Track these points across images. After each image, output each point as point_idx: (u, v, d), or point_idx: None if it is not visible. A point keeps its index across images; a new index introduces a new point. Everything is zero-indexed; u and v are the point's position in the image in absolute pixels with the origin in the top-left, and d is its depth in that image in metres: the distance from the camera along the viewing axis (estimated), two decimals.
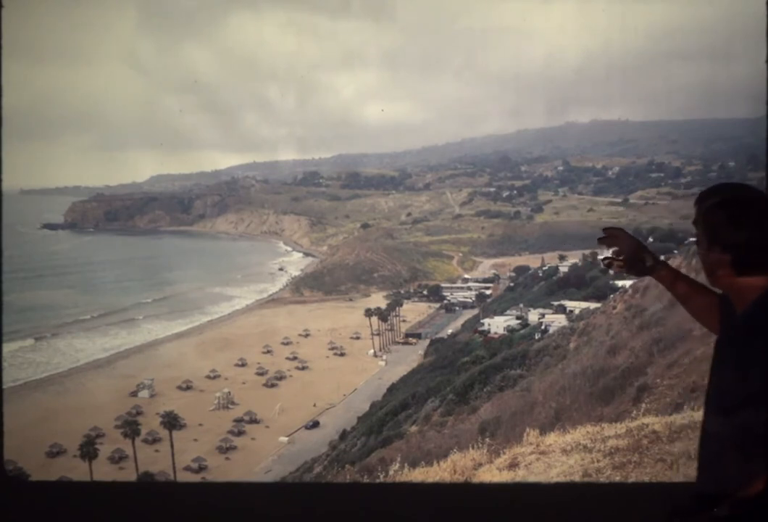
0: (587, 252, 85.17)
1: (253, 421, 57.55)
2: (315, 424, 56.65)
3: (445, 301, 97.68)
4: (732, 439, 1.89)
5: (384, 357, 75.38)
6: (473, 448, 9.28)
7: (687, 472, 5.22)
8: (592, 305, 53.43)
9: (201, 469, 48.81)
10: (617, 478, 5.69)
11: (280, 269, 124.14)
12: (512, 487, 4.02)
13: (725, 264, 1.98)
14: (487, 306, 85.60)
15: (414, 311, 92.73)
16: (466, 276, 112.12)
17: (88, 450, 44.79)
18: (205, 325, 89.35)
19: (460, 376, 38.20)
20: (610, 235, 2.30)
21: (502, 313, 76.22)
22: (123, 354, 76.15)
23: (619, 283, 58.93)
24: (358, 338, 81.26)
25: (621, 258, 2.28)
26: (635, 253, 2.29)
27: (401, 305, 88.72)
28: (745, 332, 1.95)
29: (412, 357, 72.23)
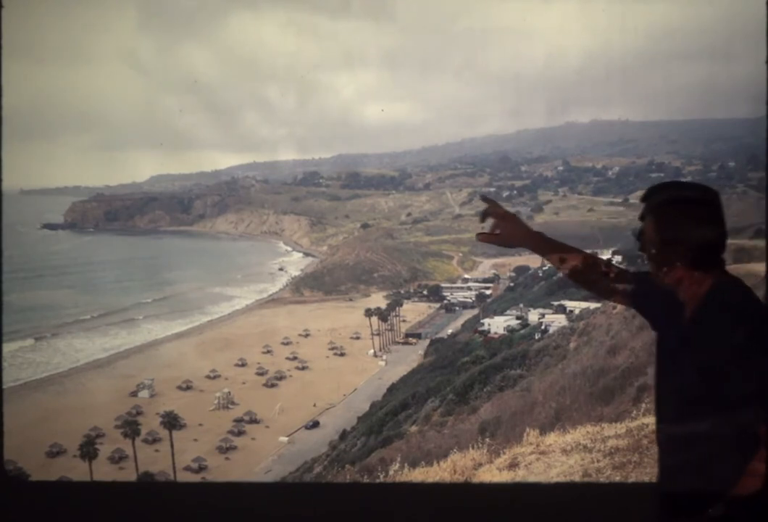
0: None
1: (253, 421, 57.55)
2: (315, 424, 56.65)
3: (445, 301, 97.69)
4: (727, 440, 1.89)
5: (384, 357, 75.38)
6: (473, 448, 9.28)
7: None
8: (592, 305, 53.35)
9: (201, 469, 48.81)
10: (617, 478, 5.69)
11: (280, 269, 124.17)
12: (512, 487, 4.02)
13: (676, 260, 1.98)
14: (487, 306, 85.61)
15: (414, 311, 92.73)
16: (466, 276, 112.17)
17: (88, 450, 44.77)
18: (205, 325, 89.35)
19: (460, 376, 38.18)
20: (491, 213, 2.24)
21: (502, 313, 76.23)
22: (123, 354, 76.16)
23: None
24: (358, 338, 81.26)
25: (497, 233, 2.21)
26: (511, 226, 2.23)
27: (401, 305, 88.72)
28: (701, 331, 1.94)
29: (412, 357, 72.23)
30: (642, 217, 2.05)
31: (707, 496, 1.90)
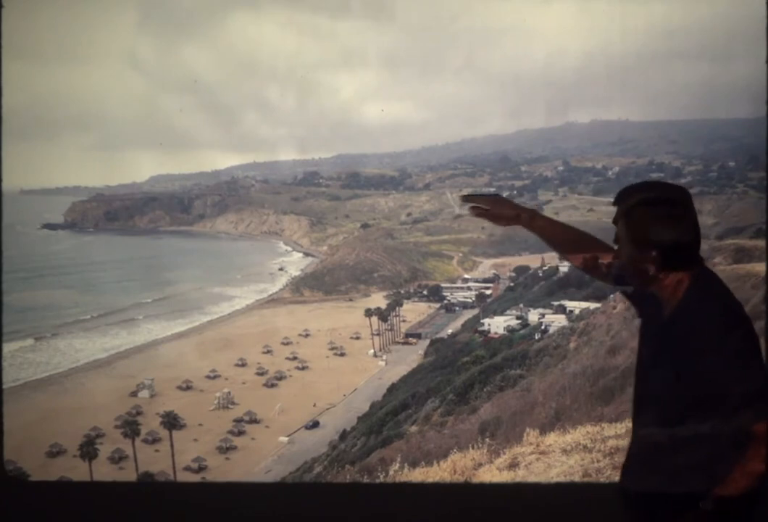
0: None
1: (253, 421, 57.55)
2: (315, 424, 56.64)
3: (445, 301, 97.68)
4: (716, 440, 1.89)
5: (384, 357, 75.38)
6: (473, 448, 9.27)
7: None
8: (592, 305, 53.38)
9: (201, 469, 48.80)
10: (617, 478, 5.67)
11: (280, 269, 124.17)
12: (512, 487, 4.02)
13: (652, 261, 1.98)
14: (487, 306, 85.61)
15: (414, 311, 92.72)
16: (466, 276, 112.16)
17: (88, 450, 44.78)
18: (205, 325, 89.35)
19: (460, 376, 38.18)
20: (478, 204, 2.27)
21: (502, 313, 76.26)
22: (123, 354, 76.16)
23: None
24: (358, 338, 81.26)
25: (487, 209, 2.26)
26: (502, 205, 2.27)
27: (401, 305, 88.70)
28: (679, 331, 1.94)
29: (412, 357, 72.24)
30: (615, 221, 2.05)
31: (691, 496, 1.89)
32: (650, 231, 1.97)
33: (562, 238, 2.31)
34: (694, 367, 1.89)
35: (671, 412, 1.95)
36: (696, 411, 1.91)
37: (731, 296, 1.96)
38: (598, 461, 6.30)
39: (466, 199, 2.28)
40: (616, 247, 2.09)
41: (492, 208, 2.26)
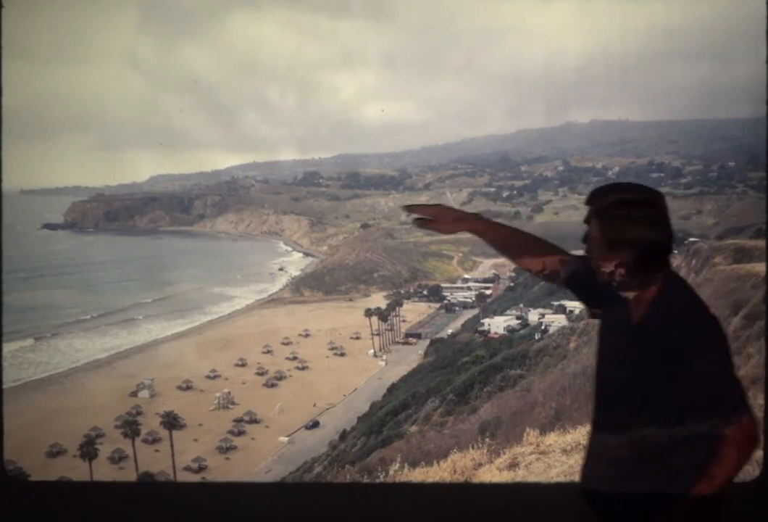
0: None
1: (253, 421, 57.55)
2: (315, 424, 56.64)
3: (445, 301, 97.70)
4: (684, 443, 1.89)
5: (384, 357, 75.38)
6: (473, 448, 9.28)
7: None
8: None
9: (201, 469, 48.81)
10: None
11: (280, 269, 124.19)
12: (512, 487, 4.02)
13: (622, 262, 1.97)
14: (487, 306, 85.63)
15: (414, 311, 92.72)
16: (466, 276, 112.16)
17: (88, 450, 44.79)
18: (205, 325, 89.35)
19: (460, 376, 38.21)
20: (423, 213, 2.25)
21: (502, 313, 76.27)
22: (123, 354, 76.17)
23: None
24: (358, 338, 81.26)
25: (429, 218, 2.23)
26: (444, 213, 2.24)
27: (401, 305, 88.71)
28: (647, 338, 1.94)
29: (412, 357, 72.24)
30: (587, 220, 2.04)
31: (658, 498, 1.91)
32: (625, 231, 1.95)
33: (511, 242, 2.25)
34: (663, 369, 1.90)
35: (636, 413, 1.95)
36: (664, 413, 1.91)
37: (700, 299, 1.97)
38: None
39: (408, 209, 2.24)
40: (585, 247, 2.06)
41: (435, 217, 2.23)
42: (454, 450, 10.42)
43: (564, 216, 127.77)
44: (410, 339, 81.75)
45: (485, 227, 2.23)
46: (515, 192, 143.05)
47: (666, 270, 1.99)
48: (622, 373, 1.99)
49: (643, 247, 1.95)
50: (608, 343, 2.08)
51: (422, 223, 2.23)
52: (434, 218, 2.23)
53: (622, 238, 1.95)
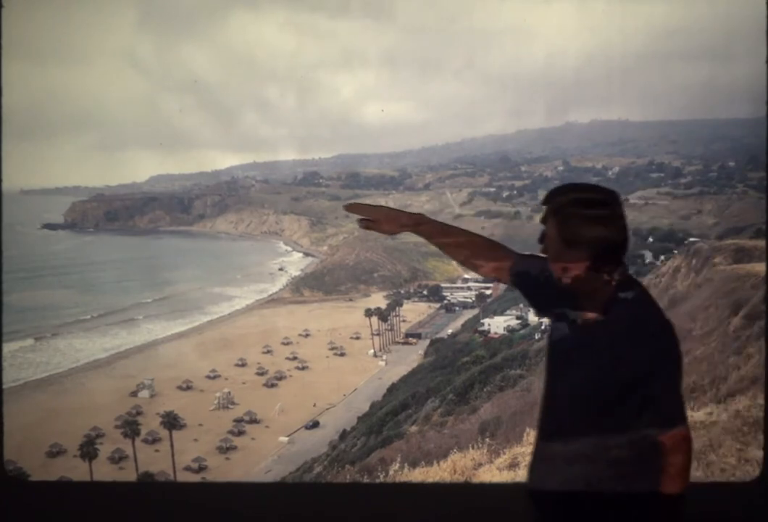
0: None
1: (253, 421, 57.55)
2: (315, 424, 56.64)
3: (445, 301, 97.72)
4: (629, 449, 1.90)
5: (384, 357, 75.38)
6: (473, 448, 9.29)
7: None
8: None
9: (201, 469, 48.81)
10: None
11: (280, 269, 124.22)
12: (512, 487, 4.01)
13: (577, 261, 1.96)
14: (487, 306, 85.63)
15: (414, 311, 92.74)
16: (466, 276, 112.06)
17: (88, 450, 44.78)
18: (205, 325, 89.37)
19: (460, 376, 38.23)
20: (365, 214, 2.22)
21: (502, 313, 76.27)
22: (123, 354, 76.18)
23: None
24: (358, 338, 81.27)
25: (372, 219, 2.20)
26: (387, 214, 2.21)
27: (401, 305, 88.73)
28: (600, 340, 1.94)
29: (412, 357, 72.24)
30: (544, 220, 2.03)
31: (603, 502, 1.91)
32: (581, 230, 1.94)
33: (456, 242, 2.21)
34: (612, 371, 1.89)
35: (582, 417, 1.95)
36: (608, 416, 1.91)
37: (655, 303, 1.96)
38: None
39: (349, 208, 2.20)
40: (541, 246, 2.06)
41: (376, 219, 2.20)
42: (454, 450, 10.43)
43: None
44: (410, 339, 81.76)
45: (429, 228, 2.20)
46: (515, 192, 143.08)
47: (621, 271, 1.97)
48: (570, 376, 1.98)
49: (598, 246, 1.93)
50: (556, 344, 2.05)
51: (365, 224, 2.20)
52: (375, 219, 2.20)
53: (577, 237, 1.94)
